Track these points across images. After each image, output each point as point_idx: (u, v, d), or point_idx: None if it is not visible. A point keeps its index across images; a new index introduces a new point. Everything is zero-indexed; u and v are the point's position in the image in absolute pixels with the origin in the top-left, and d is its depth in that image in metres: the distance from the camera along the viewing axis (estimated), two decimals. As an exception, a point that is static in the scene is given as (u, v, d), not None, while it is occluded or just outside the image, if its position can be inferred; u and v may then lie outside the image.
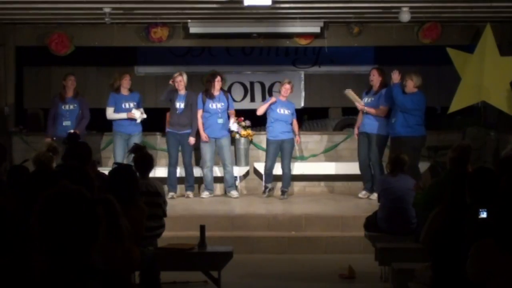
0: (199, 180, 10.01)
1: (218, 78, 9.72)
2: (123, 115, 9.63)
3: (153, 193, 6.16)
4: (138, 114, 9.63)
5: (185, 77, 9.69)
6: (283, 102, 9.77)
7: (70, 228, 2.29)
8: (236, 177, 10.17)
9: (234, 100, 10.82)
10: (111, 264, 3.10)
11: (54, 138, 9.30)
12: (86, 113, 9.70)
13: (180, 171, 9.90)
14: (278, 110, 9.70)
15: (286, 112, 9.70)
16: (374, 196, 9.28)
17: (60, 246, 2.29)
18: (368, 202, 9.13)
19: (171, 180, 9.71)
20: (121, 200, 5.00)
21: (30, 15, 9.85)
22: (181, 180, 9.94)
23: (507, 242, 3.00)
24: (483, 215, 3.85)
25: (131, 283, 5.32)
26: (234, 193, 9.81)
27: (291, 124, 9.78)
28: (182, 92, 9.70)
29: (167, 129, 9.78)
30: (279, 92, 10.03)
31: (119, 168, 5.42)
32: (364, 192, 9.66)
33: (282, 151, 9.67)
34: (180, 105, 9.67)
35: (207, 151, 9.73)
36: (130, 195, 5.08)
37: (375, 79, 9.50)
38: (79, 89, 9.85)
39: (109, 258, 3.02)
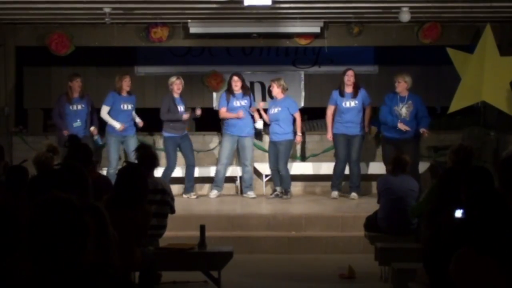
0: (207, 180, 10.00)
1: (236, 79, 9.80)
2: (117, 125, 9.52)
3: (160, 191, 6.17)
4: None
5: (182, 81, 9.74)
6: (276, 102, 9.79)
7: (58, 236, 2.29)
8: (236, 177, 10.19)
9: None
10: (112, 265, 3.10)
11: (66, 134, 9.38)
12: (93, 109, 9.79)
13: (177, 172, 9.89)
14: (271, 111, 9.74)
15: (276, 110, 9.70)
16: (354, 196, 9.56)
17: (48, 253, 2.29)
18: (368, 202, 9.12)
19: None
20: (126, 201, 5.02)
21: (30, 15, 9.84)
22: (178, 180, 9.99)
23: (486, 248, 3.00)
24: (458, 214, 3.83)
25: (131, 282, 5.32)
26: (250, 193, 9.80)
27: (293, 122, 9.75)
28: (177, 95, 9.71)
29: (167, 134, 9.67)
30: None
31: (127, 168, 5.40)
32: (336, 193, 9.71)
33: (278, 152, 9.68)
34: (181, 108, 9.68)
35: (226, 147, 9.76)
36: (136, 197, 5.07)
37: (352, 79, 9.57)
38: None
39: (109, 260, 3.02)
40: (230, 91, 9.86)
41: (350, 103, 9.64)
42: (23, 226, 2.32)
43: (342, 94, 9.68)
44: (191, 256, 6.21)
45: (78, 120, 9.58)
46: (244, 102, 9.79)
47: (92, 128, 9.62)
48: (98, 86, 11.65)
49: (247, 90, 10.01)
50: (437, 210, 4.46)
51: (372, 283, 6.64)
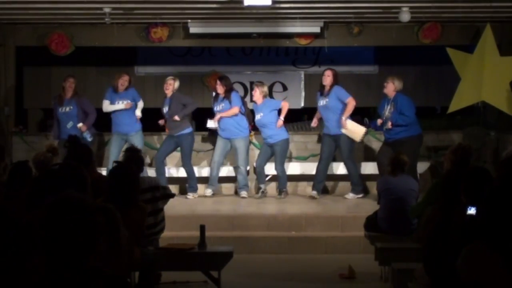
0: (204, 180, 10.02)
1: (218, 82, 9.77)
2: (120, 106, 9.62)
3: (148, 189, 6.16)
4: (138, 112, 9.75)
5: (176, 83, 9.70)
6: (257, 108, 9.73)
7: (71, 235, 2.36)
8: (236, 177, 10.18)
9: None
10: (112, 265, 3.10)
11: (57, 141, 9.37)
12: (91, 110, 9.68)
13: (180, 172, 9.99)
14: (256, 117, 9.71)
15: (259, 116, 9.62)
16: (352, 196, 9.49)
17: (61, 252, 2.35)
18: (368, 202, 9.12)
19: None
20: (121, 200, 5.02)
21: (30, 15, 9.85)
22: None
23: (498, 244, 2.99)
24: (471, 211, 3.83)
25: (130, 283, 5.32)
26: (243, 193, 9.79)
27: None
28: (169, 96, 9.71)
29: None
30: None
31: (119, 168, 5.40)
32: (315, 192, 9.66)
33: (274, 153, 9.67)
34: (165, 109, 9.71)
35: (218, 147, 9.80)
36: (130, 196, 5.07)
37: (329, 80, 9.43)
38: (78, 90, 9.84)
39: (109, 260, 3.02)
40: (215, 95, 9.91)
41: (321, 102, 9.57)
42: (23, 227, 2.34)
43: (321, 93, 9.62)
44: (191, 256, 6.21)
45: (70, 121, 9.53)
46: (221, 106, 9.71)
47: (80, 125, 9.48)
48: (98, 86, 11.66)
49: (227, 93, 9.73)
50: (440, 210, 4.45)
51: (372, 283, 6.64)
